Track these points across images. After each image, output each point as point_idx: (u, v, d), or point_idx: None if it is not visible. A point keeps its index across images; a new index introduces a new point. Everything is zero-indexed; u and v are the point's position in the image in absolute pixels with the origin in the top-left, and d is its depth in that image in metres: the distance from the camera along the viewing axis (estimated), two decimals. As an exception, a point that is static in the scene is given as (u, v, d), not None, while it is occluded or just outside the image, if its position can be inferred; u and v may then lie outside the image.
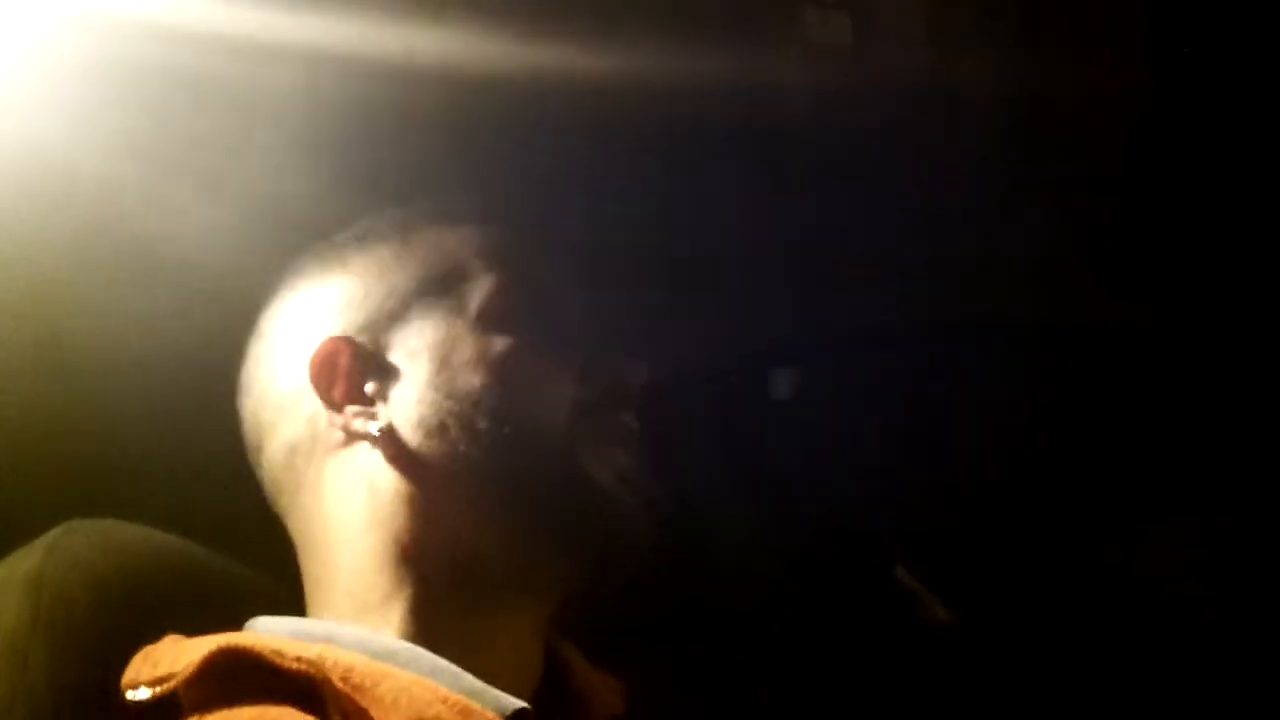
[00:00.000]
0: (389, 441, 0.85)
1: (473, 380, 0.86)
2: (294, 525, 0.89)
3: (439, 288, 0.89)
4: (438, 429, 0.85)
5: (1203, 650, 1.07)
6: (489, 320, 0.88)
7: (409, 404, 0.86)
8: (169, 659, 0.76)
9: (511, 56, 1.04)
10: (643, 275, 1.14)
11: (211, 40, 0.93)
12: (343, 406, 0.86)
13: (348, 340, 0.87)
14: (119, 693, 0.77)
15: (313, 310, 0.90)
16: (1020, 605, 1.11)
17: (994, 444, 1.14)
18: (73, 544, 0.88)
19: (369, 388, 0.86)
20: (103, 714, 0.78)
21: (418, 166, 1.09)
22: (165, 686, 0.74)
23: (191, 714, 0.74)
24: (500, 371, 0.86)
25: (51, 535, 0.88)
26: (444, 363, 0.86)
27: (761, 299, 1.19)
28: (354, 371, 0.87)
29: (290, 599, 0.89)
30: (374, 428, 0.85)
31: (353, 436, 0.86)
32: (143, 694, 0.75)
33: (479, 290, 0.89)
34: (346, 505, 0.86)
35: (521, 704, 0.77)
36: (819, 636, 1.11)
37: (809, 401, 1.16)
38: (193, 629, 0.80)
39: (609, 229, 1.11)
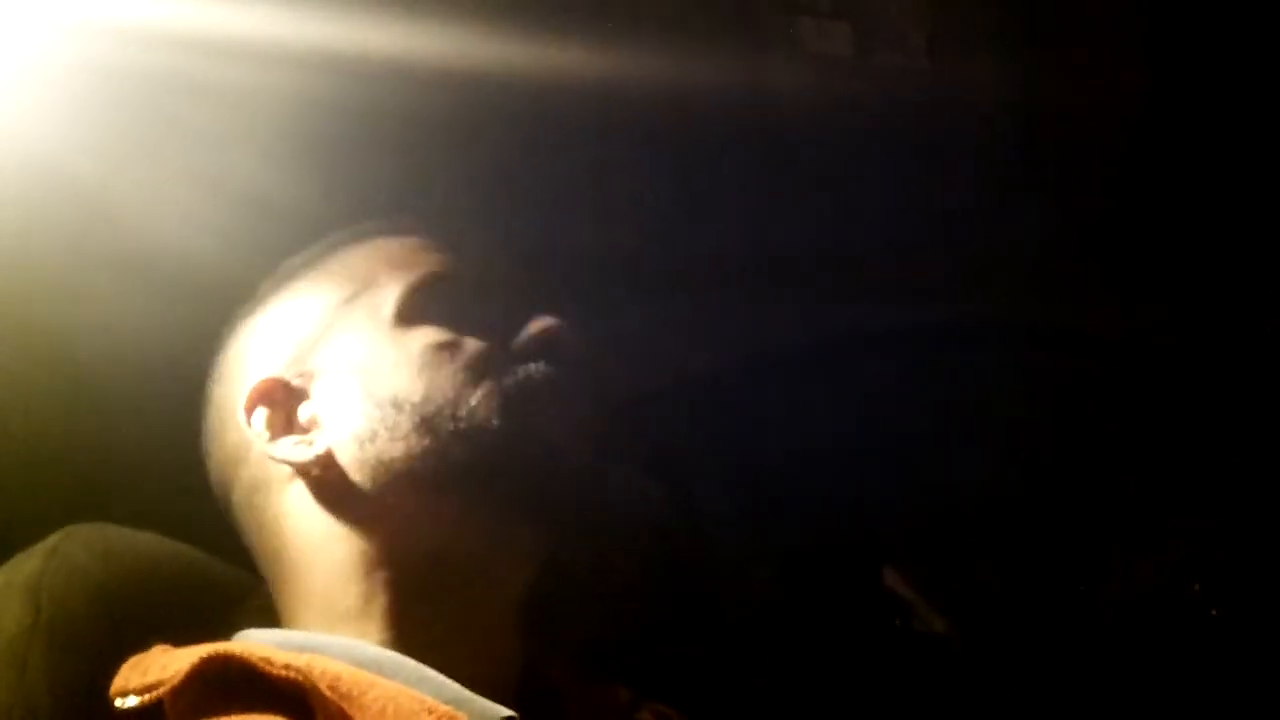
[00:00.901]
0: (330, 463, 0.86)
1: (393, 381, 0.87)
2: (262, 562, 0.91)
3: (351, 303, 0.91)
4: (371, 438, 0.86)
5: (1202, 656, 1.07)
6: (402, 320, 0.89)
7: (343, 422, 0.87)
8: (158, 667, 0.76)
9: (508, 63, 1.04)
10: (641, 280, 1.14)
11: (208, 42, 0.93)
12: (282, 442, 0.87)
13: (276, 379, 0.89)
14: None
15: (245, 360, 0.92)
16: (1016, 610, 1.11)
17: (992, 447, 1.14)
18: (72, 549, 0.89)
19: (303, 417, 0.88)
20: (100, 716, 0.78)
21: (413, 166, 1.09)
22: (153, 694, 0.75)
23: (180, 721, 0.75)
24: (419, 365, 0.87)
25: (50, 540, 0.90)
26: (366, 372, 0.87)
27: (760, 302, 1.19)
28: (287, 405, 0.88)
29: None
30: (312, 453, 0.86)
31: (297, 467, 0.87)
32: (131, 702, 0.76)
33: (390, 295, 0.90)
34: (307, 531, 0.87)
35: (507, 712, 0.78)
36: (813, 641, 1.11)
37: (807, 405, 1.16)
38: (191, 635, 0.80)
39: (606, 234, 1.12)
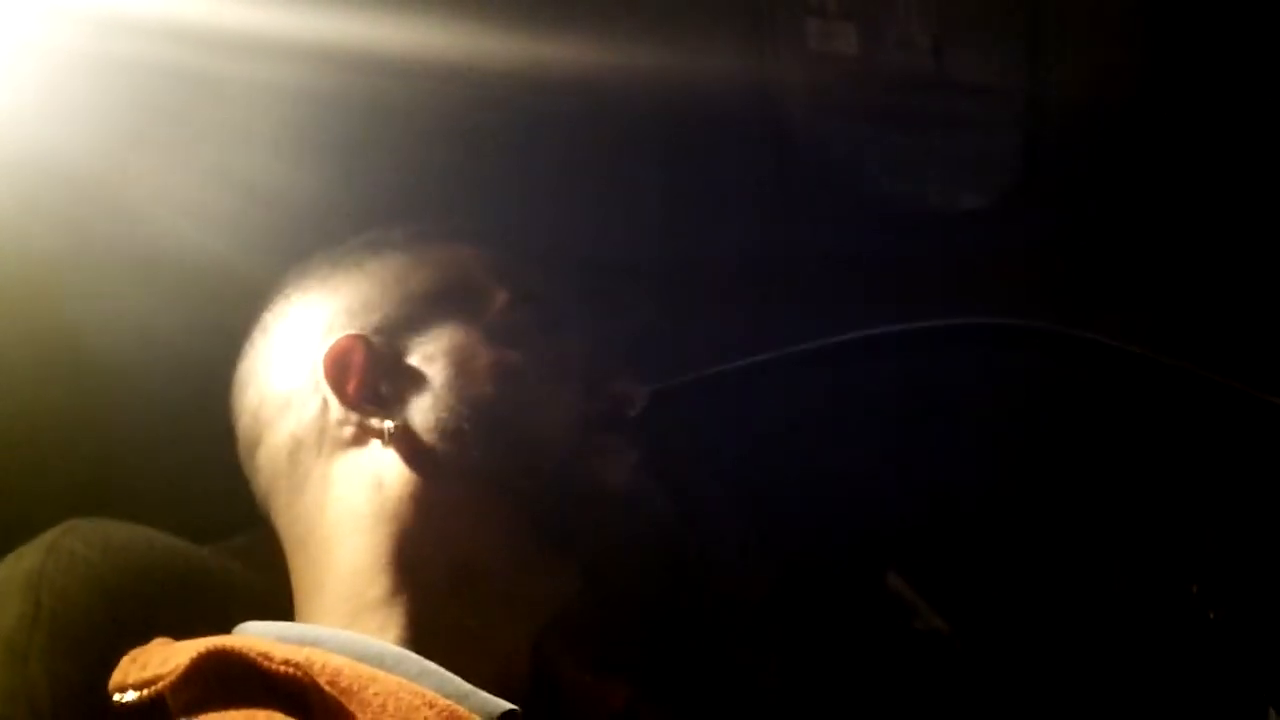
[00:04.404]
0: (402, 441, 0.86)
1: (489, 389, 0.87)
2: (289, 522, 0.90)
3: (453, 297, 0.91)
4: (454, 434, 0.86)
5: (1198, 657, 1.06)
6: (502, 333, 0.90)
7: (425, 407, 0.87)
8: (156, 661, 0.76)
9: (515, 62, 1.04)
10: (641, 279, 1.14)
11: (216, 35, 0.94)
12: (357, 403, 0.87)
13: (363, 339, 0.88)
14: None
15: (324, 310, 0.91)
16: (1015, 612, 1.11)
17: (991, 449, 1.14)
18: (72, 543, 0.88)
19: (383, 388, 0.88)
20: (102, 713, 0.79)
21: (421, 163, 1.09)
22: (152, 689, 0.75)
23: (178, 717, 0.75)
24: (515, 383, 0.88)
25: (51, 534, 0.89)
26: (461, 369, 0.88)
27: (761, 302, 1.19)
28: (368, 370, 0.88)
29: (288, 602, 0.90)
30: (389, 426, 0.86)
31: (365, 434, 0.87)
32: (130, 696, 0.76)
33: (492, 303, 0.91)
34: (351, 503, 0.86)
35: (509, 706, 0.77)
36: (816, 642, 1.11)
37: (808, 406, 1.16)
38: (190, 629, 0.80)
39: (608, 233, 1.12)
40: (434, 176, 1.09)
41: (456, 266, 0.93)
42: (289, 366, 0.90)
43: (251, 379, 0.93)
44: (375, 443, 0.87)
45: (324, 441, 0.88)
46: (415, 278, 0.92)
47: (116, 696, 0.77)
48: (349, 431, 0.87)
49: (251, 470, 0.92)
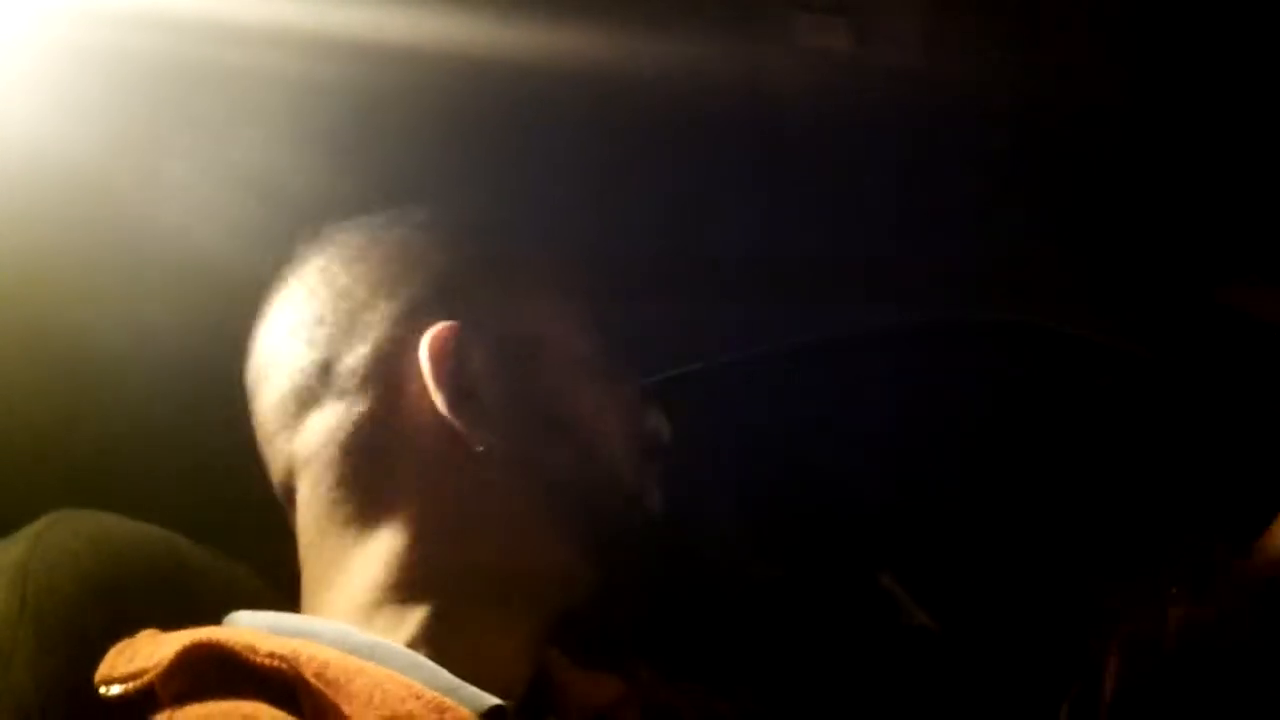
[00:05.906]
0: (491, 450, 0.85)
1: (567, 407, 0.88)
2: (314, 513, 0.87)
3: (537, 307, 0.91)
4: (534, 442, 0.86)
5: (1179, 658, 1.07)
6: (586, 359, 0.90)
7: (504, 408, 0.86)
8: (144, 654, 0.76)
9: (506, 55, 1.04)
10: (638, 277, 1.14)
11: (209, 25, 0.93)
12: (452, 404, 0.84)
13: (457, 329, 0.86)
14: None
15: (422, 274, 0.89)
16: (1005, 610, 1.11)
17: (983, 447, 1.14)
18: (58, 535, 0.88)
19: (465, 380, 0.85)
20: (88, 706, 0.78)
21: (421, 156, 1.09)
22: (139, 681, 0.75)
23: (166, 708, 0.74)
24: (592, 404, 0.89)
25: (37, 526, 0.88)
26: (547, 388, 0.88)
27: (757, 301, 1.19)
28: (451, 362, 0.85)
29: (276, 595, 0.90)
30: (465, 417, 0.84)
31: (454, 440, 0.84)
32: (117, 689, 0.76)
33: (576, 333, 0.91)
34: (410, 507, 0.85)
35: (497, 701, 0.77)
36: (806, 639, 1.11)
37: (804, 405, 1.16)
38: (178, 622, 0.80)
39: (602, 231, 1.12)
40: (433, 170, 1.08)
41: (538, 276, 0.93)
42: (374, 316, 0.87)
43: (324, 312, 0.88)
44: (461, 448, 0.84)
45: (397, 442, 0.85)
46: (510, 283, 0.91)
47: (103, 689, 0.77)
48: (430, 436, 0.85)
49: (276, 441, 0.89)
